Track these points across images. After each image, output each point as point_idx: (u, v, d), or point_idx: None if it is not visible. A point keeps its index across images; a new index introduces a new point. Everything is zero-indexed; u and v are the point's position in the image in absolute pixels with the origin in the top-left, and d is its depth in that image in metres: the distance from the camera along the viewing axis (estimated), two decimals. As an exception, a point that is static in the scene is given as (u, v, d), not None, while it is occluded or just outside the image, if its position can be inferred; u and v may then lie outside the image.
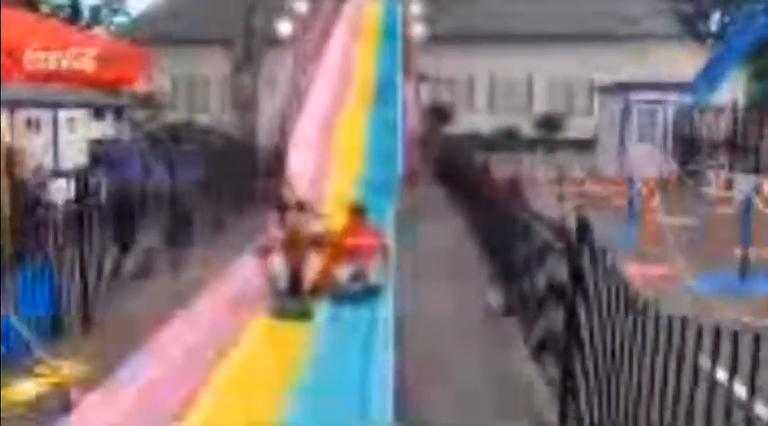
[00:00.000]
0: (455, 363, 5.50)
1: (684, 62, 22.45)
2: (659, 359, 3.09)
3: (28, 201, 5.99)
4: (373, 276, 7.02)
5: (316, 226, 7.65)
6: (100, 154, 14.62)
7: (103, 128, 18.38)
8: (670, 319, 3.02)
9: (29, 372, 5.06)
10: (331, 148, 14.77)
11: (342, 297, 6.81)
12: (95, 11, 39.51)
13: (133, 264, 7.52)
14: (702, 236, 10.30)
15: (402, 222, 10.93)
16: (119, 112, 20.67)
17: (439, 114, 27.11)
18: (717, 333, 2.68)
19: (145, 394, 4.72)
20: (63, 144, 15.30)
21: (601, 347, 3.79)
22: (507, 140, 27.50)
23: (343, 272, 6.98)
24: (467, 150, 14.82)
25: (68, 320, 6.06)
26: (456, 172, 14.27)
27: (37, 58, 5.43)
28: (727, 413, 2.62)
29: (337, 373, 5.13)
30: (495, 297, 7.03)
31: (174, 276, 8.12)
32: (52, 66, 5.53)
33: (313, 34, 19.83)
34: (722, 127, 18.31)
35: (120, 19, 39.71)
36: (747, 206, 8.49)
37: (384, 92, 16.83)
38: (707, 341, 2.74)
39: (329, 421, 4.41)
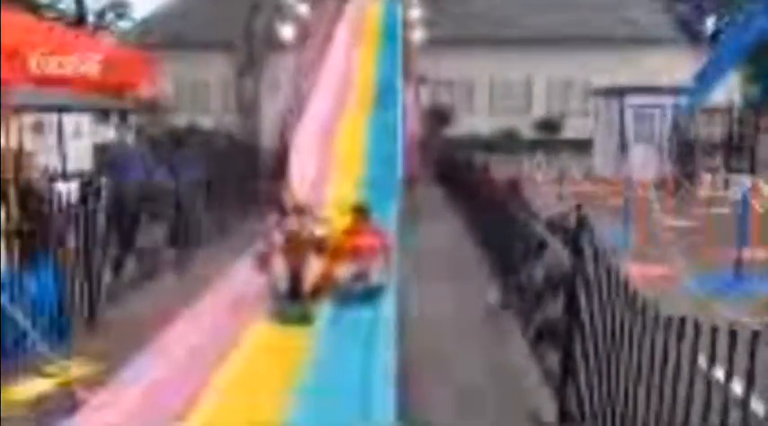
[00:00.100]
0: (455, 361, 5.57)
1: (680, 65, 22.52)
2: (657, 356, 3.15)
3: (35, 203, 6.07)
4: (376, 276, 7.06)
5: (316, 229, 7.66)
6: (103, 157, 14.73)
7: (108, 132, 18.50)
8: (667, 317, 3.10)
9: (36, 371, 5.12)
10: (332, 151, 14.82)
11: (344, 296, 6.85)
12: (100, 16, 39.67)
13: (136, 266, 7.60)
14: (699, 237, 10.36)
15: (403, 223, 10.99)
16: (123, 116, 20.77)
17: (439, 116, 27.17)
18: (714, 332, 2.74)
19: (148, 394, 4.76)
20: (68, 147, 15.40)
21: (600, 331, 3.86)
22: (506, 142, 27.56)
23: (345, 272, 7.01)
24: (467, 152, 14.89)
25: (74, 320, 6.14)
26: (456, 173, 14.35)
27: (42, 62, 5.48)
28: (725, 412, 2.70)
29: (339, 373, 5.15)
30: (494, 296, 7.11)
31: (177, 277, 8.20)
32: (58, 70, 5.58)
33: (314, 38, 19.91)
34: (718, 128, 18.39)
35: (124, 23, 39.89)
36: (744, 206, 8.55)
37: (384, 95, 16.87)
38: (706, 341, 2.79)
39: (331, 422, 4.44)
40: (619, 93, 20.08)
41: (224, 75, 26.07)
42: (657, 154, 18.89)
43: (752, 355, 2.56)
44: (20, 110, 12.65)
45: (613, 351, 3.66)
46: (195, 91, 30.81)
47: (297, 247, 6.86)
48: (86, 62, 5.69)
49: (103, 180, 7.67)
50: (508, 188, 7.77)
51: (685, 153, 18.38)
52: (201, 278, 7.75)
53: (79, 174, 9.79)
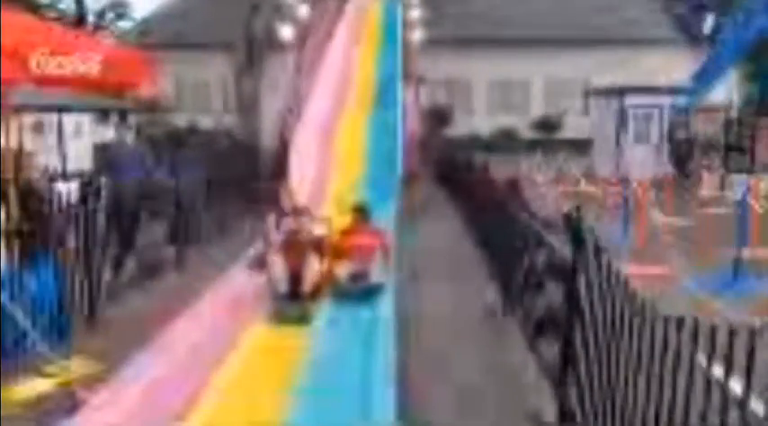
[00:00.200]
0: (454, 360, 5.58)
1: (679, 64, 22.54)
2: (656, 355, 3.17)
3: (35, 203, 6.08)
4: (375, 275, 7.07)
5: (315, 229, 7.67)
6: (101, 157, 14.72)
7: (108, 132, 18.51)
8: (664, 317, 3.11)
9: (36, 371, 5.12)
10: (331, 151, 14.82)
11: (344, 296, 6.87)
12: (100, 16, 39.66)
13: (136, 265, 7.61)
14: (698, 237, 10.38)
15: (402, 223, 11.01)
16: (123, 116, 20.78)
17: (438, 117, 27.17)
18: (713, 331, 2.76)
19: (148, 393, 4.76)
20: (68, 147, 15.41)
21: (600, 329, 3.88)
22: (505, 142, 27.59)
23: (344, 271, 7.03)
24: (466, 152, 14.91)
25: (74, 319, 6.16)
26: (455, 173, 14.37)
27: (43, 62, 5.49)
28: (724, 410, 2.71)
29: (339, 373, 5.16)
30: (492, 296, 7.12)
31: (177, 276, 8.22)
32: (58, 70, 5.58)
33: (314, 38, 19.92)
34: (717, 127, 18.41)
35: (123, 24, 39.88)
36: (742, 206, 8.57)
37: (384, 95, 16.88)
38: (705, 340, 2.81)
39: (331, 422, 4.44)
40: (617, 92, 20.11)
41: (224, 75, 26.08)
42: (656, 153, 18.92)
43: (751, 353, 2.57)
44: (20, 110, 12.65)
45: (613, 349, 3.67)
46: (195, 91, 30.80)
47: (296, 247, 6.87)
48: (86, 62, 5.69)
49: (103, 179, 7.66)
50: (507, 188, 7.78)
51: (684, 152, 18.41)
52: (201, 277, 7.76)
53: (79, 174, 9.79)
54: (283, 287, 6.59)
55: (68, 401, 4.60)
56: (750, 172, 15.77)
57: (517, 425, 4.53)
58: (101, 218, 6.71)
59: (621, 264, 3.87)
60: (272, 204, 8.46)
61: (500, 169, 10.16)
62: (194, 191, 9.68)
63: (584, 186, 15.49)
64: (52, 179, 6.94)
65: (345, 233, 7.58)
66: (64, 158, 14.85)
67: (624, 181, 11.63)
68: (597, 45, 28.08)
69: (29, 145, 12.68)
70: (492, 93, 30.48)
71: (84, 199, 6.41)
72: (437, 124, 26.07)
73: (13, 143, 6.68)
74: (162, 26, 30.63)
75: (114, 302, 6.83)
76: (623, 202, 10.95)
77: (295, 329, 6.14)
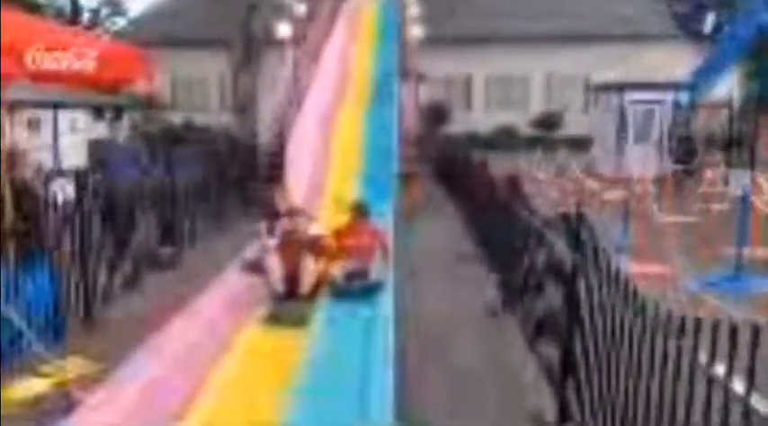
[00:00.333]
0: (454, 359, 5.54)
1: (680, 61, 22.49)
2: (657, 353, 3.13)
3: (29, 203, 6.02)
4: (374, 274, 7.03)
5: (311, 229, 7.62)
6: (96, 154, 14.66)
7: (104, 129, 18.45)
8: (666, 313, 3.06)
9: (31, 371, 5.10)
10: (329, 148, 14.80)
11: (342, 295, 6.83)
12: (95, 13, 39.60)
13: (131, 265, 7.55)
14: (699, 234, 10.34)
15: (400, 220, 10.97)
16: (118, 113, 20.73)
17: (437, 114, 27.11)
18: (715, 329, 2.72)
19: (145, 393, 4.74)
20: (63, 144, 15.34)
21: (600, 329, 3.83)
22: (505, 139, 27.53)
23: (343, 270, 6.99)
24: (464, 149, 14.85)
25: (70, 320, 6.11)
26: (454, 170, 14.33)
27: (39, 58, 5.44)
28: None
29: (337, 372, 5.14)
30: (492, 294, 7.08)
31: (173, 276, 8.17)
32: (54, 66, 5.54)
33: (312, 35, 19.87)
34: (718, 124, 18.38)
35: (118, 20, 39.83)
36: (744, 203, 8.51)
37: (381, 92, 16.85)
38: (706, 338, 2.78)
39: (330, 421, 4.42)
40: (618, 89, 20.06)
41: (220, 72, 25.99)
42: (657, 150, 18.87)
43: (752, 351, 2.52)
44: (14, 106, 12.59)
45: (613, 348, 3.63)
46: (191, 88, 30.73)
47: (292, 248, 6.82)
48: (82, 58, 5.64)
49: (97, 177, 7.61)
50: (507, 185, 7.74)
51: (685, 149, 18.36)
52: (198, 277, 7.71)
53: (74, 172, 9.72)
54: (280, 288, 6.55)
55: (64, 401, 4.57)
56: (751, 168, 15.72)
57: (515, 424, 4.48)
58: (96, 217, 6.65)
59: (622, 263, 3.82)
60: (265, 209, 8.36)
61: (499, 166, 10.12)
62: (190, 190, 9.62)
63: (584, 183, 15.42)
64: (47, 178, 6.86)
65: (344, 232, 7.53)
66: (58, 156, 14.76)
67: (625, 179, 11.57)
68: (598, 41, 28.01)
69: (23, 142, 12.62)
70: (491, 90, 30.42)
71: (79, 198, 6.35)
72: (435, 121, 26.01)
73: (8, 140, 6.62)
74: (157, 23, 30.55)
75: (110, 302, 6.78)
76: (624, 199, 10.90)
77: (293, 329, 6.09)
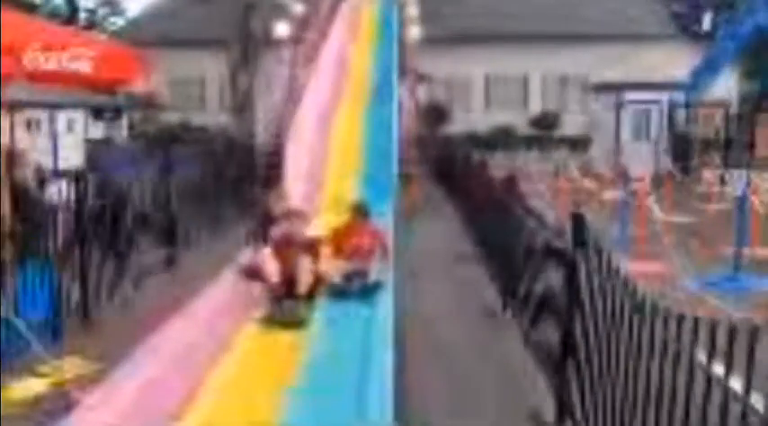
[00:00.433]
0: (453, 359, 5.54)
1: (678, 61, 22.50)
2: (656, 350, 3.13)
3: (28, 202, 6.01)
4: (374, 274, 7.01)
5: (309, 230, 7.58)
6: (93, 155, 14.65)
7: (101, 130, 18.43)
8: (665, 311, 3.06)
9: (29, 371, 5.10)
10: (327, 148, 14.79)
11: (342, 295, 6.81)
12: (92, 13, 39.59)
13: (129, 265, 7.53)
14: (697, 233, 10.35)
15: (399, 220, 10.97)
16: (117, 114, 20.72)
17: (436, 114, 27.11)
18: (713, 328, 2.72)
19: (143, 393, 4.72)
20: (61, 144, 15.32)
21: (600, 328, 3.83)
22: (504, 139, 27.54)
23: (343, 271, 6.97)
24: (463, 149, 14.86)
25: (67, 320, 6.10)
26: (453, 170, 14.33)
27: (37, 59, 5.43)
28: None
29: (336, 373, 5.11)
30: (491, 294, 7.08)
31: (172, 277, 8.15)
32: (51, 66, 5.53)
33: (310, 35, 19.85)
34: (716, 124, 18.42)
35: (116, 21, 39.83)
36: (742, 202, 8.52)
37: (380, 91, 16.83)
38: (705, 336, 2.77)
39: (328, 422, 4.40)
40: (616, 88, 20.08)
41: (218, 72, 25.99)
42: (655, 150, 18.90)
43: (751, 350, 2.53)
44: (13, 106, 12.57)
45: (613, 350, 3.63)
46: (189, 88, 30.71)
47: (289, 249, 6.79)
48: (79, 58, 5.63)
49: (93, 178, 7.58)
50: (505, 185, 7.74)
51: (682, 148, 18.40)
52: (195, 277, 7.69)
53: (72, 172, 9.71)
54: (278, 289, 6.53)
55: (62, 401, 4.56)
56: (750, 167, 15.76)
57: (515, 425, 4.48)
58: (93, 218, 6.64)
59: (621, 262, 3.82)
60: (260, 212, 8.30)
61: (498, 166, 10.12)
62: (187, 191, 9.61)
63: (582, 183, 15.44)
64: (44, 179, 6.84)
65: (344, 232, 7.52)
66: (56, 156, 14.74)
67: (623, 178, 11.57)
68: (596, 41, 28.01)
69: (21, 142, 12.60)
70: (490, 90, 30.43)
71: (76, 198, 6.34)
72: (435, 121, 26.00)
73: (7, 140, 6.60)
74: (155, 23, 30.53)
75: (107, 303, 6.76)
76: (622, 199, 10.90)
77: (291, 329, 6.08)
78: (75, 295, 6.29)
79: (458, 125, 27.73)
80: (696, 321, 2.85)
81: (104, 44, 7.79)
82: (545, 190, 14.19)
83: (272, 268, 6.62)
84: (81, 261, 6.33)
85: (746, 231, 8.40)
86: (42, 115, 15.56)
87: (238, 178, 12.37)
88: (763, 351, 2.55)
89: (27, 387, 4.89)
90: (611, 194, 13.76)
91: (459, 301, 7.19)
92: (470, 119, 28.83)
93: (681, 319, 2.93)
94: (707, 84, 18.91)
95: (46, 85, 8.80)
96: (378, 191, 11.91)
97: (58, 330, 5.91)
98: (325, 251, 7.15)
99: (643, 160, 17.41)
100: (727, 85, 20.12)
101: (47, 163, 13.21)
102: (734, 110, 19.00)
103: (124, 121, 22.98)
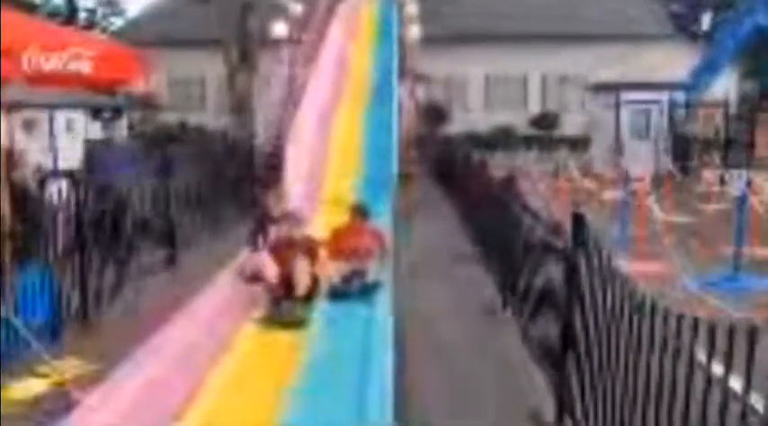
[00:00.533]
0: (453, 358, 5.54)
1: (678, 61, 22.51)
2: (656, 349, 3.13)
3: (28, 202, 6.01)
4: (373, 274, 7.01)
5: (306, 231, 7.56)
6: (92, 155, 14.62)
7: (101, 130, 18.41)
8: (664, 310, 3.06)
9: (29, 372, 5.09)
10: (327, 148, 14.79)
11: (341, 295, 6.81)
12: (92, 13, 39.57)
13: (128, 265, 7.52)
14: (697, 233, 10.35)
15: (398, 220, 10.96)
16: (116, 114, 20.70)
17: (436, 114, 27.11)
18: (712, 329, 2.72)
19: (143, 393, 4.72)
20: (61, 145, 15.30)
21: (599, 328, 3.83)
22: (503, 139, 27.54)
23: (342, 271, 6.96)
24: (463, 149, 14.85)
25: (67, 320, 6.09)
26: (452, 170, 14.32)
27: (36, 60, 5.42)
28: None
29: (336, 373, 5.12)
30: (491, 293, 7.08)
31: (171, 277, 8.15)
32: (51, 67, 5.52)
33: (309, 35, 19.84)
34: (715, 124, 18.42)
35: (116, 21, 39.81)
36: (742, 202, 8.51)
37: (379, 91, 16.83)
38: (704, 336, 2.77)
39: (328, 422, 4.40)
40: (615, 88, 20.08)
41: (218, 72, 25.99)
42: (654, 150, 18.90)
43: (750, 349, 2.52)
44: (12, 107, 12.56)
45: (613, 352, 3.62)
46: (189, 88, 30.70)
47: (287, 250, 6.78)
48: (79, 59, 5.62)
49: (91, 178, 7.58)
50: (504, 185, 7.74)
51: (682, 148, 18.40)
52: (195, 278, 7.68)
53: (70, 173, 9.71)
54: (276, 290, 6.51)
55: (63, 401, 4.56)
56: (749, 167, 15.76)
57: (515, 425, 4.47)
58: (92, 218, 6.63)
59: (621, 262, 3.81)
60: (259, 213, 8.28)
61: (498, 166, 10.11)
62: (187, 191, 9.60)
63: (582, 183, 15.45)
64: (44, 179, 6.84)
65: (344, 233, 7.51)
66: (55, 156, 14.71)
67: (623, 178, 11.57)
68: (596, 41, 28.02)
69: (21, 143, 12.59)
70: (489, 90, 30.43)
71: (75, 200, 6.33)
72: (434, 121, 26.00)
73: (6, 141, 6.60)
74: (154, 24, 30.52)
75: (107, 303, 6.76)
76: (621, 199, 10.90)
77: (291, 330, 6.08)
78: (75, 296, 6.28)
79: (458, 125, 27.74)
80: (696, 320, 2.85)
81: (104, 44, 7.78)
82: (545, 189, 14.19)
83: (270, 270, 6.61)
84: (81, 262, 6.32)
85: (746, 231, 8.39)
86: (41, 115, 15.54)
87: (237, 178, 12.36)
88: (762, 351, 2.55)
89: (27, 387, 4.90)
90: (610, 194, 13.76)
91: (459, 299, 7.18)
92: (470, 119, 28.84)
93: (680, 318, 2.93)
94: (706, 84, 18.91)
95: (45, 86, 8.78)
96: (377, 191, 11.91)
97: (58, 330, 5.91)
98: (323, 253, 7.15)
99: (643, 160, 17.41)
100: (726, 85, 20.11)
101: (46, 163, 13.19)
102: (733, 109, 18.97)
103: (123, 122, 22.94)
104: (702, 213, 12.50)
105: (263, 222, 7.67)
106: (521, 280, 6.15)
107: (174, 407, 4.51)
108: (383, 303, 6.65)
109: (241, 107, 20.98)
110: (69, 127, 16.33)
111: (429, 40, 20.98)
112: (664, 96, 19.38)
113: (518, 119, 28.96)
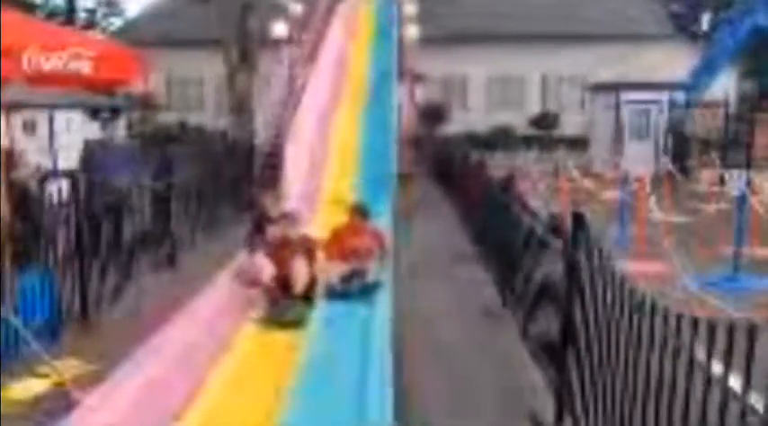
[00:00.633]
0: (452, 357, 5.54)
1: (677, 61, 22.52)
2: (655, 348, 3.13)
3: (27, 203, 6.00)
4: (372, 274, 7.01)
5: (304, 231, 7.55)
6: (89, 155, 14.57)
7: (99, 130, 18.39)
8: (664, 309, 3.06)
9: (29, 372, 5.09)
10: (326, 148, 14.79)
11: (340, 295, 6.80)
12: (91, 13, 39.56)
13: (127, 265, 7.52)
14: (696, 233, 10.35)
15: (397, 220, 10.96)
16: (115, 114, 20.67)
17: (435, 114, 27.11)
18: (712, 327, 2.72)
19: (142, 393, 4.71)
20: (60, 145, 15.28)
21: (598, 329, 3.83)
22: (503, 139, 27.54)
23: (342, 271, 6.96)
24: (462, 149, 14.86)
25: (67, 321, 6.09)
26: (451, 170, 14.33)
27: (36, 60, 5.41)
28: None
29: (335, 373, 5.11)
30: (490, 293, 7.08)
31: (170, 277, 8.14)
32: (50, 67, 5.51)
33: (308, 35, 19.84)
34: (715, 124, 18.43)
35: (115, 21, 39.80)
36: (741, 202, 8.51)
37: (378, 91, 16.83)
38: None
39: (328, 422, 4.40)
40: (615, 88, 20.09)
41: (217, 72, 25.99)
42: (654, 149, 18.90)
43: (750, 348, 2.53)
44: (12, 107, 12.56)
45: (612, 352, 3.63)
46: (188, 89, 30.70)
47: (283, 250, 6.77)
48: (78, 59, 5.61)
49: (90, 178, 7.57)
50: (503, 184, 7.74)
51: (681, 148, 18.40)
52: (194, 278, 7.67)
53: (69, 173, 9.68)
54: (273, 291, 6.51)
55: (63, 401, 4.57)
56: (748, 167, 15.76)
57: (514, 424, 4.48)
58: (91, 218, 6.63)
59: (620, 262, 3.81)
60: (256, 215, 8.27)
61: (497, 166, 10.11)
62: (186, 191, 9.59)
63: (581, 183, 15.45)
64: (43, 178, 6.83)
65: (344, 232, 7.51)
66: (55, 157, 14.70)
67: (622, 178, 11.58)
68: (595, 41, 28.04)
69: (21, 143, 12.58)
70: (488, 90, 30.43)
71: (75, 199, 6.33)
72: (433, 121, 26.01)
73: (6, 142, 6.60)
74: (154, 24, 30.52)
75: (106, 303, 6.76)
76: (621, 199, 10.90)
77: (290, 330, 6.08)
78: (75, 296, 6.28)
79: (457, 125, 27.75)
80: (695, 320, 2.85)
81: (103, 44, 7.77)
82: (545, 189, 14.20)
83: (266, 271, 6.60)
84: (80, 262, 6.32)
85: (746, 231, 8.39)
86: (40, 116, 15.53)
87: (237, 178, 12.35)
88: (762, 350, 2.55)
89: (27, 387, 4.90)
90: (610, 194, 13.76)
91: (458, 299, 7.18)
92: (470, 119, 28.84)
93: (680, 318, 2.93)
94: (706, 84, 18.92)
95: (45, 86, 8.78)
96: (376, 191, 11.91)
97: (57, 330, 5.91)
98: (320, 254, 7.15)
99: (642, 160, 17.40)
100: (726, 85, 20.12)
101: (45, 163, 13.18)
102: (733, 109, 18.97)
103: (122, 122, 22.91)
104: (702, 213, 12.50)
105: (260, 223, 7.66)
106: (520, 279, 6.15)
107: (173, 407, 4.51)
108: (383, 303, 6.65)
109: (241, 107, 20.96)
110: (68, 127, 16.31)
111: (428, 40, 21.00)
112: (663, 96, 19.39)
113: (518, 120, 28.96)
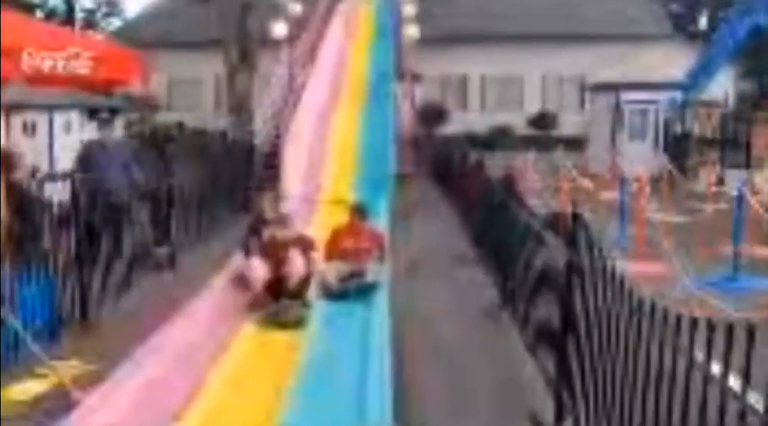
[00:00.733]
0: (452, 357, 5.54)
1: (676, 61, 22.55)
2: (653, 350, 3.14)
3: (27, 204, 6.00)
4: (371, 275, 7.01)
5: (306, 230, 7.54)
6: (87, 156, 14.49)
7: (96, 131, 18.33)
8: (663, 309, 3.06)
9: (29, 372, 5.10)
10: (325, 148, 14.81)
11: (339, 295, 6.81)
12: (90, 14, 39.52)
13: (127, 266, 7.51)
14: (696, 233, 10.35)
15: (396, 220, 10.96)
16: (113, 114, 20.62)
17: (433, 114, 27.10)
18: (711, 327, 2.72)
19: (142, 394, 4.72)
20: (59, 146, 15.26)
21: (596, 328, 3.83)
22: (501, 138, 27.53)
23: (341, 272, 6.96)
24: (461, 149, 14.87)
25: (66, 321, 6.09)
26: (450, 170, 14.33)
27: (36, 60, 5.42)
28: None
29: (335, 373, 5.12)
30: (490, 293, 7.09)
31: (169, 278, 8.14)
32: (49, 67, 5.52)
33: (307, 35, 19.86)
34: (713, 124, 18.43)
35: (114, 21, 39.77)
36: (740, 202, 8.52)
37: (377, 92, 16.85)
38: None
39: (327, 422, 4.42)
40: (613, 88, 20.09)
41: (216, 73, 25.99)
42: (652, 149, 18.90)
43: (748, 349, 2.53)
44: (12, 108, 12.55)
45: (612, 353, 3.63)
46: (187, 89, 30.68)
47: (282, 251, 6.76)
48: (77, 59, 5.62)
49: (89, 179, 7.56)
50: (502, 185, 7.75)
51: (680, 148, 18.40)
52: (193, 278, 7.67)
53: (68, 174, 9.67)
54: (271, 291, 6.50)
55: (63, 401, 4.56)
56: (747, 167, 15.77)
57: (514, 424, 4.48)
58: (91, 219, 6.63)
59: (619, 263, 3.81)
60: (253, 217, 8.25)
61: (496, 166, 10.11)
62: (185, 191, 9.58)
63: (581, 183, 15.45)
64: (42, 179, 6.83)
65: (343, 233, 7.51)
66: (52, 158, 14.67)
67: (621, 178, 11.58)
68: (594, 41, 28.03)
69: (20, 144, 12.55)
70: (487, 90, 30.43)
71: (74, 199, 6.33)
72: (432, 121, 26.00)
73: (4, 143, 6.60)
74: (153, 24, 30.50)
75: (106, 304, 6.75)
76: (620, 199, 10.90)
77: (290, 330, 6.08)
78: (75, 297, 6.28)
79: (456, 125, 27.73)
80: (695, 321, 2.85)
81: (103, 45, 7.79)
82: (543, 189, 14.21)
83: (260, 274, 6.60)
84: (79, 263, 6.32)
85: (744, 231, 8.40)
86: (38, 117, 15.51)
87: (235, 178, 12.35)
88: (761, 349, 2.56)
89: (27, 388, 4.89)
90: (609, 194, 13.76)
91: (457, 299, 7.18)
92: (469, 119, 28.82)
93: (679, 318, 2.94)
94: (704, 84, 18.93)
95: (44, 87, 8.78)
96: (374, 192, 11.93)
97: (57, 331, 5.90)
98: (319, 254, 7.15)
99: (641, 160, 17.40)
100: (724, 85, 20.14)
101: (43, 164, 13.15)
102: (732, 109, 18.98)
103: (120, 122, 22.87)
104: (701, 213, 12.50)
105: (256, 226, 7.64)
106: (520, 267, 6.16)
107: (173, 407, 4.51)
108: (381, 303, 6.66)
109: (241, 107, 20.95)
110: (67, 128, 16.28)
111: (428, 41, 21.00)
112: (662, 96, 19.39)
113: (517, 120, 28.95)
